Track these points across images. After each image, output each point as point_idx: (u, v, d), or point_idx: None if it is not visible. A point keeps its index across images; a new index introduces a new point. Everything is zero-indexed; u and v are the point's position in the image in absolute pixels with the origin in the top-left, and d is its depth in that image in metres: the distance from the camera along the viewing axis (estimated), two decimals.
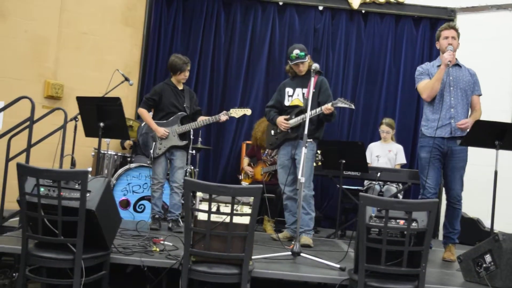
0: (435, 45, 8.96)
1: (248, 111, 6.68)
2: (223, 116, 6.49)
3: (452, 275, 5.05)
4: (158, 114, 6.55)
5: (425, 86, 5.80)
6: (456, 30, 5.80)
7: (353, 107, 6.00)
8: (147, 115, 6.48)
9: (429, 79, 5.81)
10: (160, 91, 6.51)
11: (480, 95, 5.88)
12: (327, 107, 5.85)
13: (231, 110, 6.57)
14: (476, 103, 5.86)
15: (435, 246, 6.11)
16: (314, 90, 6.05)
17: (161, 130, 6.37)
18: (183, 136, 6.49)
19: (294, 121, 6.10)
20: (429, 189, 5.73)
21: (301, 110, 6.06)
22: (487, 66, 8.21)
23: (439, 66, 5.76)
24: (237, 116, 6.66)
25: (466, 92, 5.77)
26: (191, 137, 7.31)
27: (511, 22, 8.30)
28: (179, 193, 6.40)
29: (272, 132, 6.40)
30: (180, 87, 6.59)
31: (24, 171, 3.97)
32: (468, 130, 5.54)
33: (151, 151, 6.41)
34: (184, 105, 6.52)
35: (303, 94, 6.15)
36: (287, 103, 6.27)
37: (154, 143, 6.41)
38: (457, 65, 5.82)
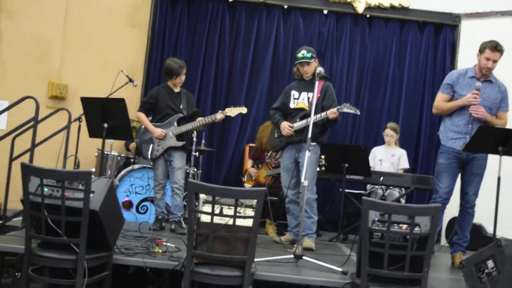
0: (439, 50, 9.02)
1: (243, 110, 6.70)
2: (218, 115, 6.51)
3: (454, 281, 5.06)
4: (156, 116, 6.61)
5: (439, 106, 5.85)
6: (501, 52, 5.68)
7: (358, 113, 6.01)
8: (144, 118, 6.56)
9: (449, 92, 5.79)
10: (156, 94, 6.57)
11: (506, 111, 5.81)
12: (332, 111, 5.86)
13: (227, 109, 6.60)
14: (502, 119, 5.78)
15: (437, 251, 6.10)
16: (319, 95, 6.07)
17: (157, 131, 6.42)
18: (180, 137, 6.51)
19: (299, 124, 6.10)
20: (440, 194, 5.72)
21: (306, 114, 6.05)
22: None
23: (471, 77, 5.73)
24: (232, 115, 6.67)
25: (491, 110, 5.69)
26: (194, 139, 7.33)
27: None
28: (180, 194, 6.41)
29: (276, 134, 6.40)
30: (177, 89, 6.63)
31: (28, 171, 3.98)
32: (479, 116, 5.55)
33: (149, 153, 6.47)
34: (181, 107, 6.55)
35: (309, 98, 6.15)
36: (292, 105, 6.27)
37: (151, 145, 6.46)
38: (489, 80, 5.73)
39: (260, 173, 7.73)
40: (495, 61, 5.66)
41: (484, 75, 5.72)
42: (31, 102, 5.85)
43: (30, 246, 4.01)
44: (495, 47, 5.64)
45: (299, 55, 6.17)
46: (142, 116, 6.56)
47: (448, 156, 5.74)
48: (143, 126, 6.69)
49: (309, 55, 6.14)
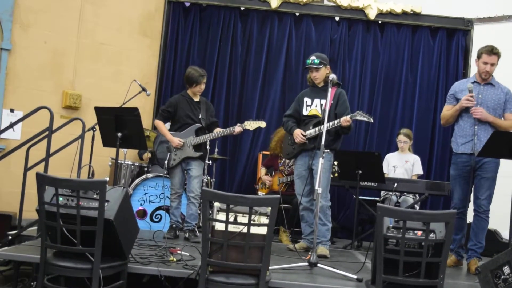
0: (452, 55, 8.99)
1: (262, 124, 6.67)
2: (237, 128, 6.48)
3: (470, 287, 5.02)
4: (174, 125, 6.60)
5: (443, 115, 6.03)
6: (498, 56, 5.75)
7: (371, 120, 6.02)
8: (162, 126, 6.55)
9: (452, 102, 5.93)
10: (175, 103, 6.55)
11: None
12: (345, 119, 5.85)
13: (246, 123, 6.56)
14: (509, 119, 5.79)
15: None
16: (332, 102, 6.06)
17: (176, 140, 6.41)
18: (198, 147, 6.49)
19: (312, 131, 6.09)
20: (454, 205, 5.87)
21: (319, 121, 6.04)
22: (503, 77, 8.17)
23: (473, 82, 5.83)
24: (251, 129, 6.64)
25: (496, 110, 5.74)
26: (208, 147, 7.34)
27: None
28: (196, 203, 6.41)
29: (289, 142, 6.40)
30: (196, 98, 6.61)
31: (44, 181, 3.99)
32: (478, 117, 5.62)
33: (166, 161, 6.45)
34: (200, 117, 6.53)
35: (321, 105, 6.14)
36: (305, 112, 6.26)
37: (169, 153, 6.45)
38: (490, 83, 5.81)
39: (274, 180, 7.73)
40: (493, 65, 5.75)
41: (484, 80, 5.81)
42: (45, 112, 5.89)
43: (45, 256, 4.02)
44: (491, 51, 5.74)
45: (308, 60, 6.21)
46: (161, 124, 6.55)
47: (457, 167, 5.83)
48: (160, 134, 6.69)
49: (317, 61, 6.14)
